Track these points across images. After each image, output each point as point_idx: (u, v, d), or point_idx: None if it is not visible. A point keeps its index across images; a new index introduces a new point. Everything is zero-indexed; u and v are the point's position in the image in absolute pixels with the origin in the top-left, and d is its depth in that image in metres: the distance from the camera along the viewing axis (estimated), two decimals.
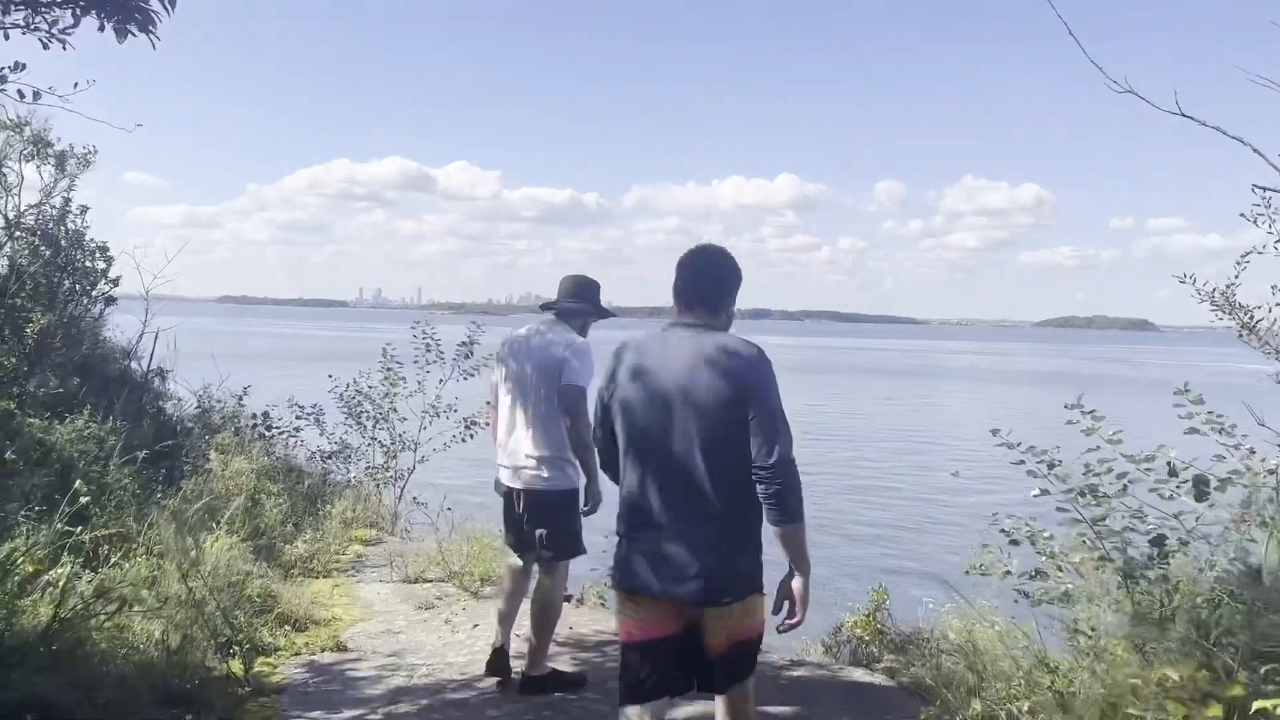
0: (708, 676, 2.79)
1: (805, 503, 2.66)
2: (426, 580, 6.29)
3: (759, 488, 2.59)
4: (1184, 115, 3.13)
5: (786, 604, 2.72)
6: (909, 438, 24.15)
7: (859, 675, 4.66)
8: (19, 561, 3.98)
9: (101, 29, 3.81)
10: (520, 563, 4.39)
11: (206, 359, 10.55)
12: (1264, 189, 4.15)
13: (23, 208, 8.69)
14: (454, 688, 4.41)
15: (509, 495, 4.32)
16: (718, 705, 2.84)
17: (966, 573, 4.35)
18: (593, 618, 5.60)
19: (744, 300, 3.03)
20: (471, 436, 9.22)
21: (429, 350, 9.55)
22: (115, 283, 9.07)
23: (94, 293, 9.00)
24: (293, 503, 7.40)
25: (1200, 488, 3.42)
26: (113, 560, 4.75)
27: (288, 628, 5.09)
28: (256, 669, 4.33)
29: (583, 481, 4.21)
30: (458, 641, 5.12)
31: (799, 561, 2.70)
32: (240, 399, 9.60)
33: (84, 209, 8.90)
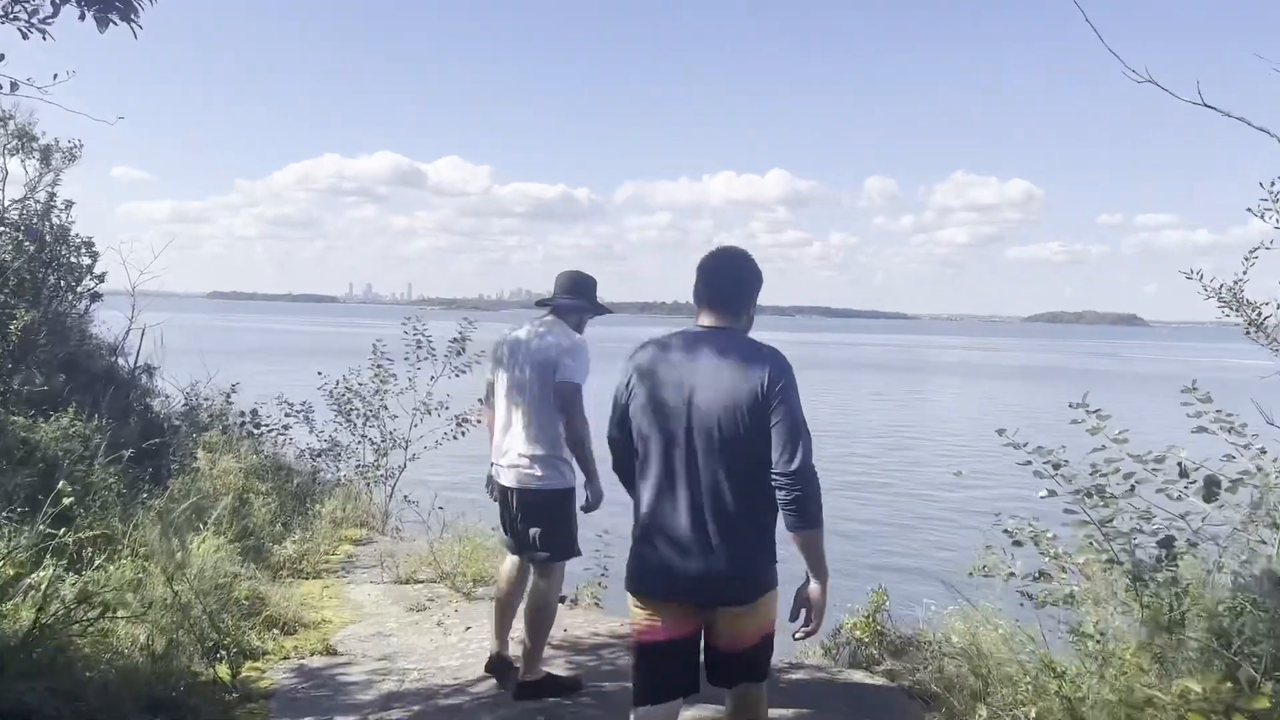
0: (718, 672, 2.79)
1: None
2: (418, 581, 6.21)
3: (779, 494, 2.58)
4: (1207, 106, 3.06)
5: (804, 611, 2.69)
6: (901, 433, 24.20)
7: (859, 678, 4.59)
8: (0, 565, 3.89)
9: (82, 18, 3.71)
10: (516, 564, 4.31)
11: (195, 355, 10.44)
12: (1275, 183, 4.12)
13: (6, 202, 8.59)
14: (446, 693, 4.32)
15: (504, 495, 4.25)
16: (728, 702, 2.85)
17: (970, 574, 4.28)
18: (587, 619, 5.51)
19: None
20: (463, 434, 9.14)
21: (420, 347, 9.45)
22: (101, 278, 8.99)
23: (79, 289, 8.91)
24: (281, 502, 7.31)
25: (1211, 488, 3.36)
26: (97, 563, 4.65)
27: (276, 631, 5.00)
28: (244, 674, 4.26)
29: (579, 481, 4.16)
30: (450, 644, 5.03)
31: (817, 567, 2.67)
32: (229, 396, 9.46)
33: (69, 204, 8.83)
